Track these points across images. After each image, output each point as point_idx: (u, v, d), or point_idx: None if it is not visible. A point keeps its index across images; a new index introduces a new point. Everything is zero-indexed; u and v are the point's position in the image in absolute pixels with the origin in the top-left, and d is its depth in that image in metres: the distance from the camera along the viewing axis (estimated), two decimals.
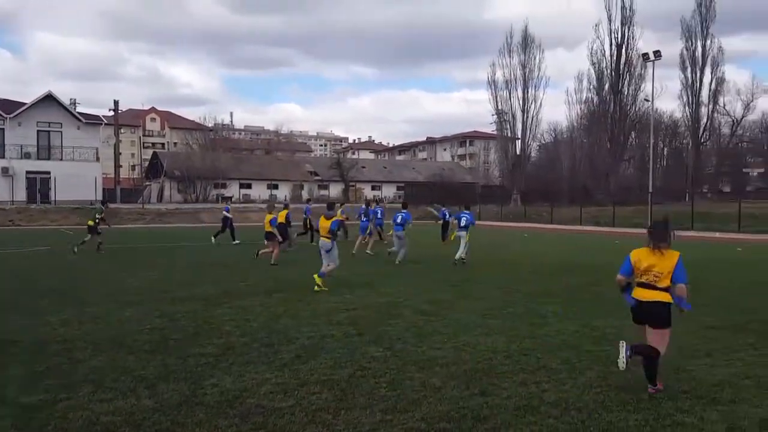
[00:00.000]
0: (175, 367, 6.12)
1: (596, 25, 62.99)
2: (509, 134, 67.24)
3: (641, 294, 5.39)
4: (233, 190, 66.89)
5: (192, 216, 45.22)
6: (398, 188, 73.93)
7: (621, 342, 5.36)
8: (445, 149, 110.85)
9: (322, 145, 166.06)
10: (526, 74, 64.50)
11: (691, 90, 66.02)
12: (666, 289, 5.29)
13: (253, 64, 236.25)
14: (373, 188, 73.30)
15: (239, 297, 10.48)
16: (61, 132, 51.83)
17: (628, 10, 59.90)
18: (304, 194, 60.40)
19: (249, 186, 68.71)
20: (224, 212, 24.37)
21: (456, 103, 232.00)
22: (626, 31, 60.12)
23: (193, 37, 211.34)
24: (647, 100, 57.55)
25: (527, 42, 64.82)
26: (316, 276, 11.14)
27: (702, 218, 37.85)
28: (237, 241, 22.78)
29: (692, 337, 7.47)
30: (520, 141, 67.56)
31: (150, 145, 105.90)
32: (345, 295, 10.66)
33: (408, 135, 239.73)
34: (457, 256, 15.77)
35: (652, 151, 52.55)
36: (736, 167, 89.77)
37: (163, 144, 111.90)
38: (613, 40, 60.48)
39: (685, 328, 7.99)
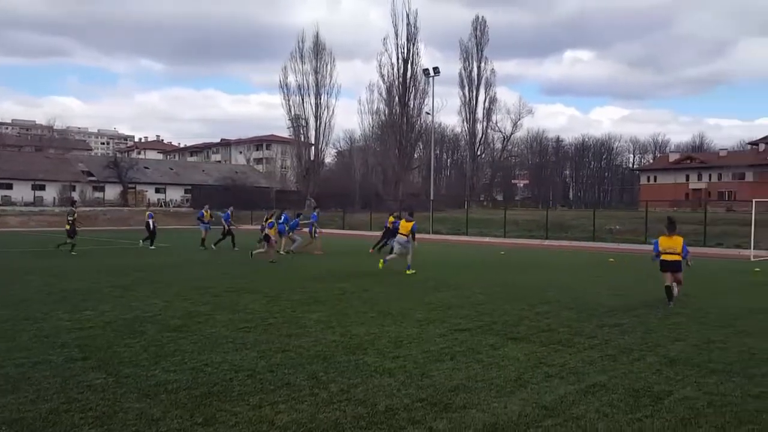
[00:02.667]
0: None
1: (384, 39, 66.02)
2: (303, 139, 67.54)
3: (667, 257, 10.54)
4: None
5: None
6: (186, 191, 70.10)
7: (672, 284, 10.62)
8: (241, 152, 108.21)
9: (103, 144, 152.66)
10: (319, 80, 65.43)
11: (469, 107, 72.41)
12: (678, 254, 10.51)
13: (24, 52, 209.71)
14: (157, 191, 68.71)
15: None
16: None
17: (412, 27, 63.54)
18: (75, 195, 54.23)
19: (9, 186, 60.23)
20: (148, 218, 24.42)
21: (255, 106, 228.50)
22: (411, 47, 63.74)
23: None
24: (428, 113, 61.48)
25: (319, 48, 65.81)
26: (381, 261, 15.95)
27: (476, 224, 41.35)
28: (153, 246, 23.41)
29: (442, 340, 7.62)
30: (314, 147, 68.22)
31: None
32: (86, 311, 9.32)
33: (202, 136, 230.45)
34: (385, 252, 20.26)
35: (433, 162, 56.31)
36: (507, 179, 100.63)
37: None
38: (400, 55, 63.76)
39: (437, 331, 8.19)
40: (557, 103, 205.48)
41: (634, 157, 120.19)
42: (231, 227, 24.02)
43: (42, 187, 61.30)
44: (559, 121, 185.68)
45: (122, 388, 5.52)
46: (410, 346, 7.27)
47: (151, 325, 8.30)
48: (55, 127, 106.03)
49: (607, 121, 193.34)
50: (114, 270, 15.49)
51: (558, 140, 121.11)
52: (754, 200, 24.75)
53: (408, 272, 15.22)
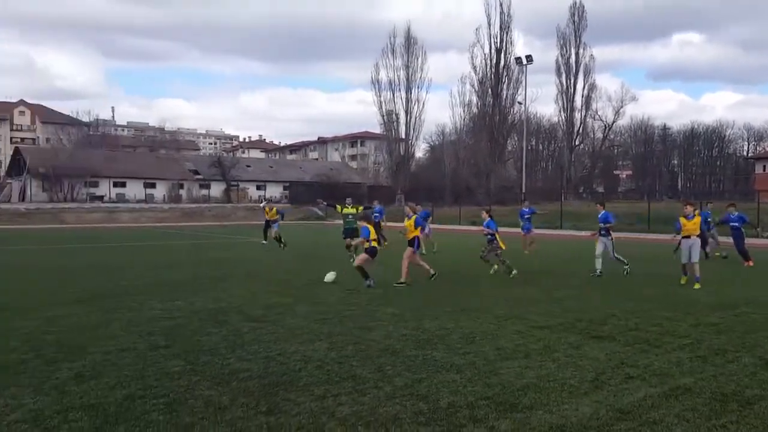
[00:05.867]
0: None
1: (477, 29, 64.67)
2: (394, 135, 67.87)
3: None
4: (105, 188, 62.83)
5: (53, 216, 41.80)
6: (284, 188, 72.54)
7: None
8: (336, 149, 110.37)
9: (211, 144, 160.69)
10: (410, 75, 65.50)
11: (566, 95, 69.62)
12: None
13: (138, 57, 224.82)
14: (258, 188, 71.44)
15: (51, 306, 9.34)
16: None
17: (506, 16, 62.13)
18: (183, 192, 57.38)
19: (123, 185, 64.68)
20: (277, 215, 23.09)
21: (351, 103, 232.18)
22: (504, 36, 62.33)
23: (70, 26, 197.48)
24: (520, 103, 60.00)
25: (410, 43, 65.81)
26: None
27: (571, 217, 39.92)
28: (265, 242, 22.98)
29: (518, 337, 7.36)
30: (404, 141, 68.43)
31: (19, 140, 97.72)
32: (177, 301, 9.82)
33: (301, 134, 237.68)
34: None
35: (525, 153, 54.89)
36: (608, 170, 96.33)
37: (33, 139, 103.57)
38: (493, 45, 62.53)
39: (514, 328, 7.93)
40: (665, 89, 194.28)
41: (749, 144, 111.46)
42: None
43: (153, 185, 65.37)
44: (667, 107, 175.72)
45: (197, 375, 5.74)
46: (482, 343, 7.08)
47: (234, 315, 8.62)
48: (166, 129, 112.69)
49: (719, 106, 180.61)
50: (211, 263, 16.23)
51: (665, 128, 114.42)
52: None
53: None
